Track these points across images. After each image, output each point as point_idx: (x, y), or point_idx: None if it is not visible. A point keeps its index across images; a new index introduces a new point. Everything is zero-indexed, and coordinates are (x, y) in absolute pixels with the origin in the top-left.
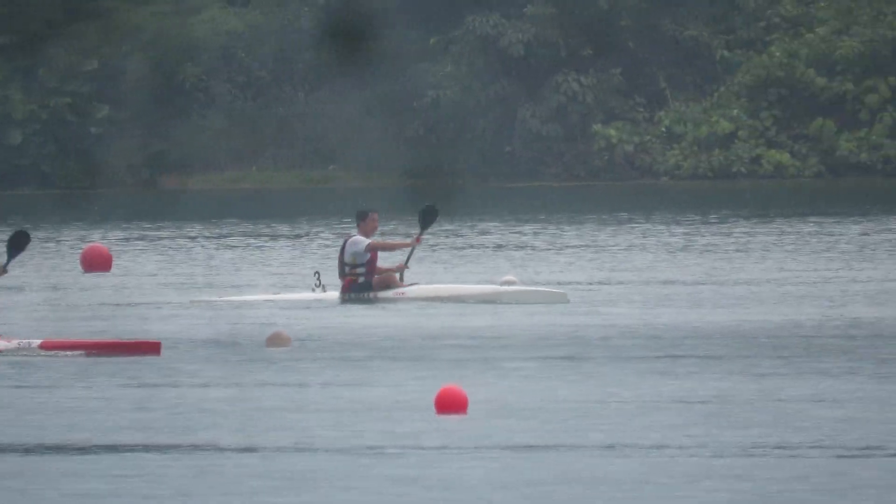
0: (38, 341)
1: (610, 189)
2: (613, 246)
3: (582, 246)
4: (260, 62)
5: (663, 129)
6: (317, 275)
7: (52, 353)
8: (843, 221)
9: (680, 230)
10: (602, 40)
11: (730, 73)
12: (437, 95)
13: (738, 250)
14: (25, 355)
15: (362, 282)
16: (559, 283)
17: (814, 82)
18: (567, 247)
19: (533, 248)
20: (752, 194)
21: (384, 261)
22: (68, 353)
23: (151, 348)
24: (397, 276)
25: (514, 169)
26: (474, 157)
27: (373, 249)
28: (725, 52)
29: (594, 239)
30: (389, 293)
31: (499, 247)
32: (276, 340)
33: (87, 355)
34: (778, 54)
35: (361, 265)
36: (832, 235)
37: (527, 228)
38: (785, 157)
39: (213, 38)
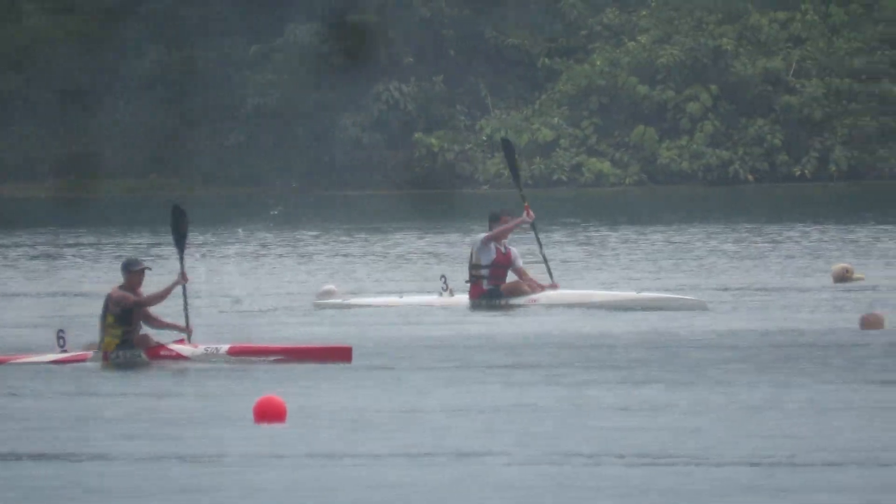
0: (227, 346)
1: (427, 198)
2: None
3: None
4: (80, 69)
5: (484, 137)
6: (443, 278)
7: (241, 359)
8: (660, 230)
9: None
10: (423, 48)
11: (551, 81)
12: (259, 103)
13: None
14: (213, 362)
15: (489, 288)
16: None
17: (635, 91)
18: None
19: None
20: (573, 202)
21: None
22: (256, 359)
23: (343, 354)
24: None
25: (340, 177)
26: (299, 165)
27: (491, 240)
28: (547, 61)
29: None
30: (521, 300)
31: (311, 255)
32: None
33: (278, 361)
34: (599, 63)
35: (485, 266)
36: (644, 243)
37: (342, 237)
38: (606, 166)
39: (35, 46)
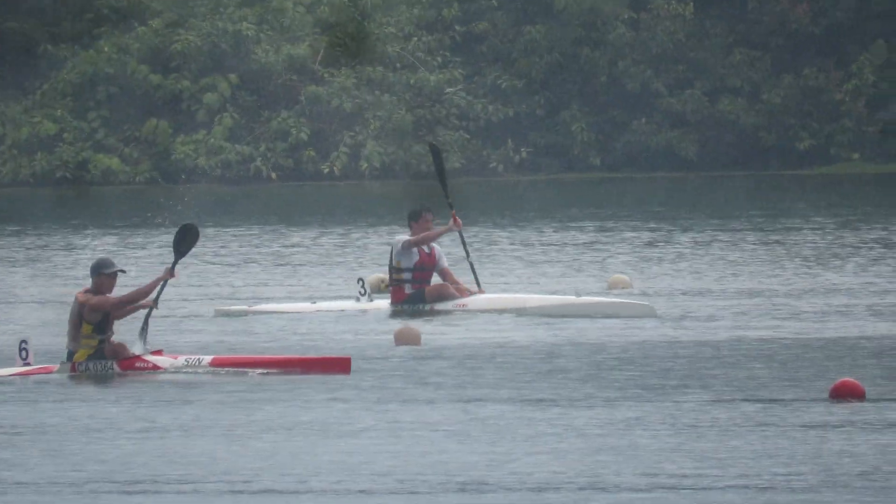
0: (209, 358)
1: None
2: None
3: None
4: None
5: None
6: (360, 282)
7: (223, 370)
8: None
9: None
10: None
11: (55, 69)
12: None
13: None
14: (191, 373)
15: (412, 292)
16: None
17: (147, 80)
18: None
19: None
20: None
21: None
22: (239, 370)
23: (340, 365)
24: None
25: None
26: None
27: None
28: (49, 47)
29: None
30: (448, 305)
31: None
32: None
33: (266, 374)
34: (107, 49)
35: (408, 269)
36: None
37: None
38: (115, 162)
39: None
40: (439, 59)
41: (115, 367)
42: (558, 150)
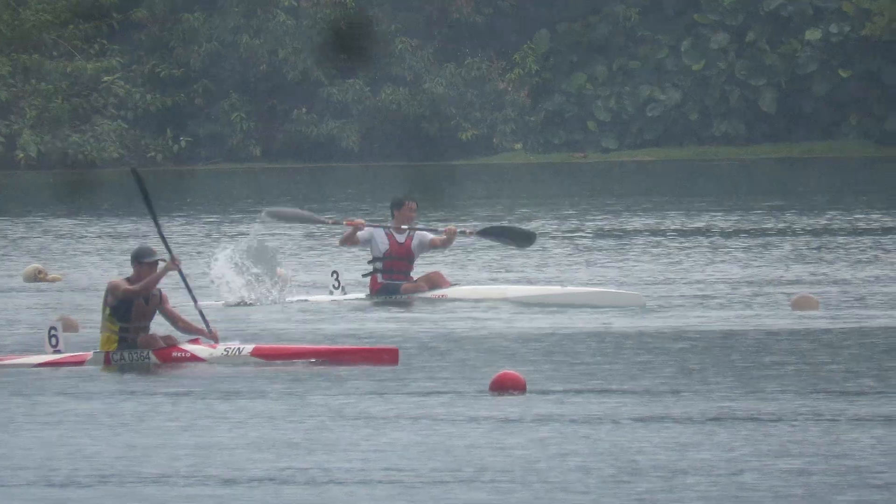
0: (251, 347)
1: None
2: None
3: None
4: None
5: None
6: (335, 274)
7: (267, 361)
8: None
9: None
10: None
11: None
12: None
13: None
14: (233, 364)
15: (384, 283)
16: None
17: None
18: None
19: None
20: None
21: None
22: (285, 361)
23: (389, 356)
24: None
25: None
26: None
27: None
28: None
29: None
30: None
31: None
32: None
33: (314, 364)
34: None
35: (378, 259)
36: None
37: None
38: None
39: None
40: (97, 47)
41: (152, 356)
42: (217, 139)
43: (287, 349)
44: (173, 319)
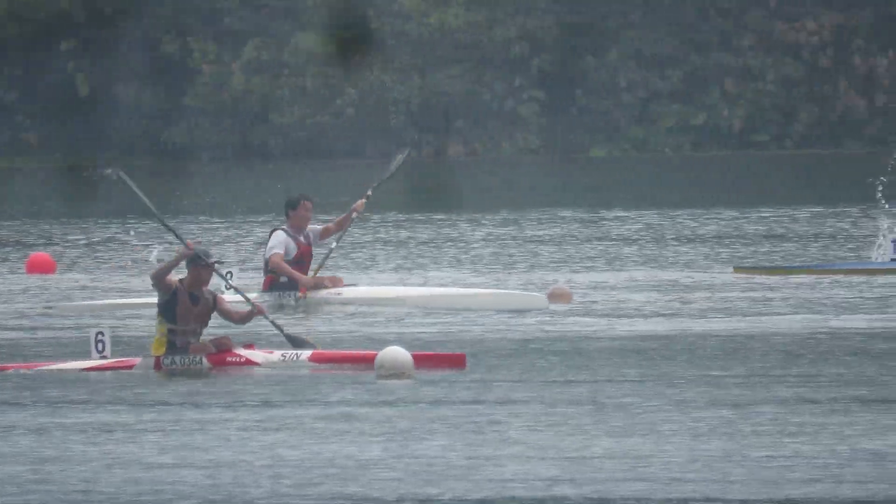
0: (308, 352)
1: None
2: None
3: None
4: None
5: None
6: (229, 274)
7: (325, 366)
8: None
9: None
10: None
11: None
12: None
13: None
14: (291, 370)
15: (284, 281)
16: None
17: None
18: None
19: None
20: None
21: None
22: (344, 367)
23: (456, 361)
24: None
25: None
26: None
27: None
28: None
29: None
30: (322, 293)
31: None
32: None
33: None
34: None
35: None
36: None
37: None
38: None
39: None
40: None
41: (205, 361)
42: None
43: (346, 354)
44: (229, 316)
